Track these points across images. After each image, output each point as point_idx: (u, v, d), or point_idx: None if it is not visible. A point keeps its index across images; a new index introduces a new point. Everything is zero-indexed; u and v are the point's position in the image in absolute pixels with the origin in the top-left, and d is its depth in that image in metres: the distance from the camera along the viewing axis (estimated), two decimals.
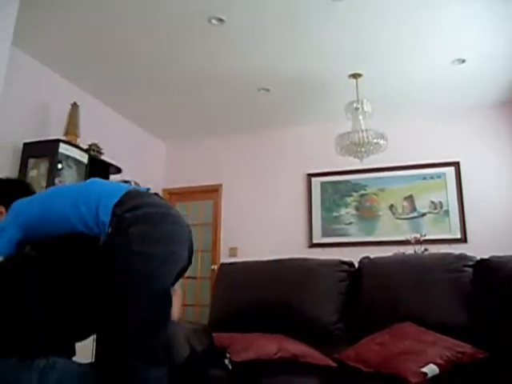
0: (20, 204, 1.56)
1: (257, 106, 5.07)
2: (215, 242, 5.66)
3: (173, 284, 1.48)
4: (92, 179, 1.67)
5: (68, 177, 3.93)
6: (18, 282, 1.34)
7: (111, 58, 4.09)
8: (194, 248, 1.65)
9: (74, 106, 4.16)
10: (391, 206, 5.09)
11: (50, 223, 1.49)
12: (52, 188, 1.59)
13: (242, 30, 3.67)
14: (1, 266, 1.42)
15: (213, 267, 5.47)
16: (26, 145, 3.88)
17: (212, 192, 5.82)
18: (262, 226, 5.45)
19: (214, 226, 5.75)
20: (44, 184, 3.74)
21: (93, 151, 4.26)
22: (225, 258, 5.14)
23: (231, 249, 5.49)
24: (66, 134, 4.05)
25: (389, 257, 2.63)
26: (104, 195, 1.48)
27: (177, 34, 3.72)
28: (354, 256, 2.68)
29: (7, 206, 1.60)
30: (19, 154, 3.86)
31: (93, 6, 3.36)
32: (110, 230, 1.41)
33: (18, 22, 2.82)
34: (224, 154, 5.91)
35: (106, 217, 1.43)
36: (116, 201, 1.45)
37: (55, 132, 4.03)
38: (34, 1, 3.13)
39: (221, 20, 3.51)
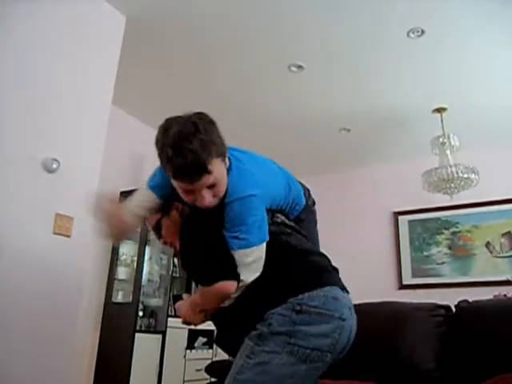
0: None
1: (338, 146, 5.07)
2: None
3: None
4: None
5: None
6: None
7: (199, 109, 4.34)
8: None
9: None
10: (488, 244, 4.75)
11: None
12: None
13: (320, 73, 3.75)
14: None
15: None
16: (122, 193, 4.17)
17: None
18: (347, 267, 5.20)
19: None
20: None
21: None
22: None
23: None
24: None
25: (490, 300, 2.45)
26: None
27: (263, 82, 3.91)
28: (448, 298, 2.55)
29: None
30: None
31: (177, 65, 3.64)
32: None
33: (116, 83, 3.14)
34: None
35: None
36: None
37: None
38: (129, 65, 3.46)
39: (300, 67, 3.63)
